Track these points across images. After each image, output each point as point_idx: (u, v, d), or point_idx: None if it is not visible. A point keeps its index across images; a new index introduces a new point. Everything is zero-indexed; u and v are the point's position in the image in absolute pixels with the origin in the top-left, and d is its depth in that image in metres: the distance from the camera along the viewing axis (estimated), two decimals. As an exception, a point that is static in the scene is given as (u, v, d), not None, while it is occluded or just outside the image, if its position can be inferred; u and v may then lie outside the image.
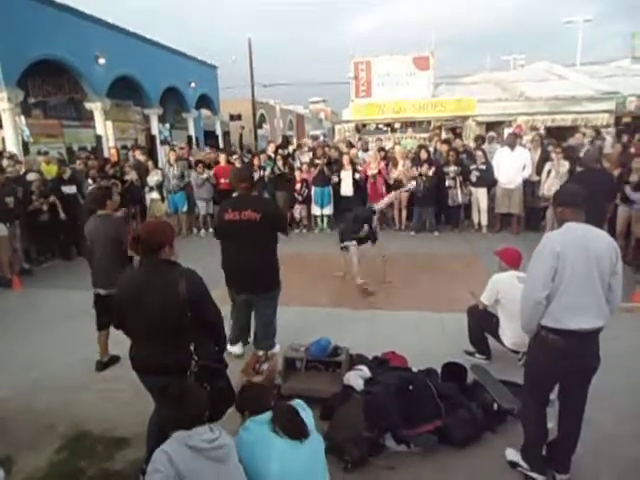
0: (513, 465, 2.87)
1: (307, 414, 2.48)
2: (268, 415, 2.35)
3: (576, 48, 22.59)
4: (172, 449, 2.04)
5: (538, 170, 8.51)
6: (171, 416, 2.19)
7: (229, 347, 4.18)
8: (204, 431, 2.12)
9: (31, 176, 7.82)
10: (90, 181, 8.47)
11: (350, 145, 11.38)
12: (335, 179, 9.49)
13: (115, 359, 4.31)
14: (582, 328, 2.58)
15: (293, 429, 2.31)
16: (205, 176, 9.52)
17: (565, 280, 2.55)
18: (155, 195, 9.77)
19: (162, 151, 12.97)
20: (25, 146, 12.50)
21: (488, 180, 8.85)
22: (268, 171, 9.71)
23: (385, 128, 15.88)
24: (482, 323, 4.12)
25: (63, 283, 6.84)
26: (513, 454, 2.91)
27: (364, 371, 3.58)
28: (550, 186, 7.78)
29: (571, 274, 2.54)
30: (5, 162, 8.52)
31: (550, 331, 2.64)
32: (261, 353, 3.89)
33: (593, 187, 5.68)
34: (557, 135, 11.31)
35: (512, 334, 3.83)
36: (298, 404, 2.52)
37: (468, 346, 4.25)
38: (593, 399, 3.11)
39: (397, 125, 15.57)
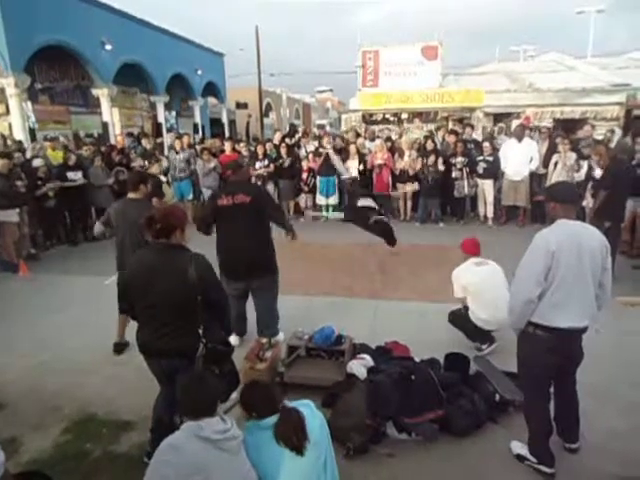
0: (520, 458, 2.86)
1: (317, 419, 2.36)
2: (272, 420, 2.22)
3: (588, 39, 22.30)
4: (181, 441, 2.00)
5: (545, 162, 8.45)
6: (186, 400, 2.13)
7: (232, 338, 4.22)
8: (216, 422, 2.08)
9: (36, 162, 7.84)
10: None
11: (357, 135, 11.32)
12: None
13: (126, 344, 4.34)
14: (570, 326, 2.60)
15: (294, 442, 2.18)
16: (212, 165, 9.48)
17: (558, 279, 2.56)
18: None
19: (168, 139, 13.00)
20: (32, 132, 12.53)
21: (495, 172, 8.80)
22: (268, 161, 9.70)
23: (392, 118, 15.77)
24: (461, 318, 4.23)
25: (69, 268, 6.90)
26: (519, 447, 2.90)
27: (367, 360, 3.60)
28: (557, 178, 7.73)
29: (564, 273, 2.55)
30: (12, 147, 8.57)
31: (537, 327, 2.66)
32: (265, 340, 3.91)
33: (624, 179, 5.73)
34: (566, 127, 11.20)
35: (484, 313, 4.01)
36: (307, 406, 2.39)
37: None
38: (593, 393, 3.13)
39: (404, 115, 15.45)
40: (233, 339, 4.33)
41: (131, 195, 4.10)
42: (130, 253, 3.94)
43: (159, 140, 12.86)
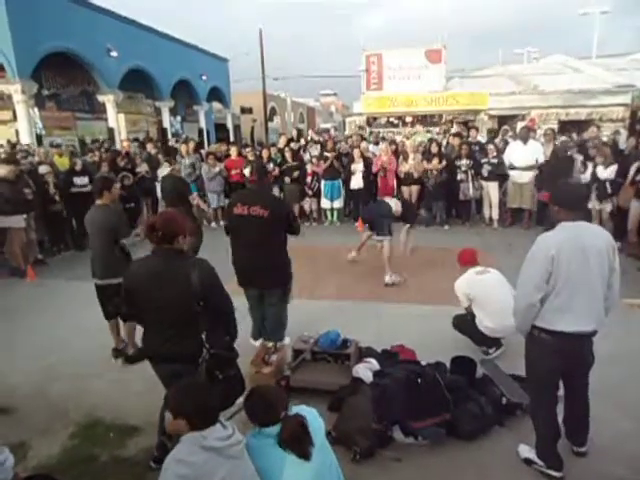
0: (528, 462, 2.84)
1: (319, 424, 2.33)
2: (275, 429, 2.19)
3: (592, 41, 22.22)
4: (184, 454, 1.96)
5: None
6: (195, 400, 2.05)
7: (251, 342, 4.27)
8: (217, 430, 2.05)
9: (43, 169, 7.89)
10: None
11: (361, 138, 11.33)
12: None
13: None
14: (575, 331, 2.57)
15: (299, 449, 2.15)
16: (217, 170, 9.52)
17: (559, 282, 2.53)
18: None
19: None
20: (38, 138, 12.64)
21: (500, 174, 8.77)
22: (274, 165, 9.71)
23: (396, 121, 15.78)
24: (468, 325, 4.20)
25: (77, 273, 6.90)
26: (527, 451, 2.88)
27: (373, 364, 3.60)
28: (563, 181, 7.70)
29: (566, 276, 2.52)
30: (19, 154, 8.64)
31: (542, 331, 2.64)
32: (270, 344, 3.92)
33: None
34: (571, 129, 11.17)
35: (491, 322, 3.98)
36: (310, 413, 2.35)
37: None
38: (601, 396, 3.09)
39: (408, 119, 15.46)
40: (258, 344, 4.27)
41: (97, 202, 4.17)
42: (99, 259, 4.10)
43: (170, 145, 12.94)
